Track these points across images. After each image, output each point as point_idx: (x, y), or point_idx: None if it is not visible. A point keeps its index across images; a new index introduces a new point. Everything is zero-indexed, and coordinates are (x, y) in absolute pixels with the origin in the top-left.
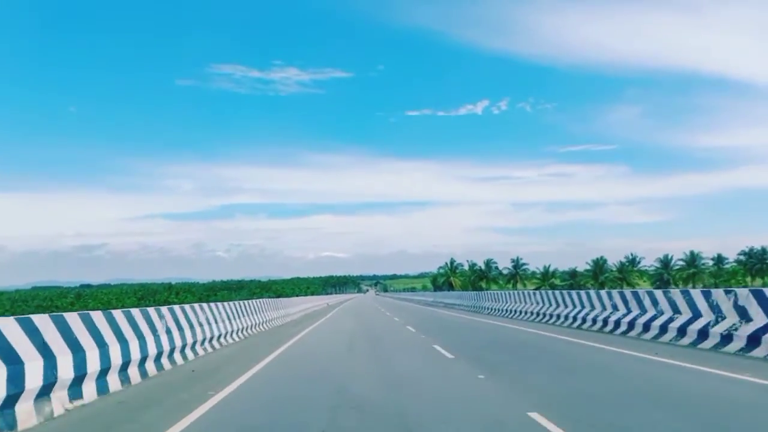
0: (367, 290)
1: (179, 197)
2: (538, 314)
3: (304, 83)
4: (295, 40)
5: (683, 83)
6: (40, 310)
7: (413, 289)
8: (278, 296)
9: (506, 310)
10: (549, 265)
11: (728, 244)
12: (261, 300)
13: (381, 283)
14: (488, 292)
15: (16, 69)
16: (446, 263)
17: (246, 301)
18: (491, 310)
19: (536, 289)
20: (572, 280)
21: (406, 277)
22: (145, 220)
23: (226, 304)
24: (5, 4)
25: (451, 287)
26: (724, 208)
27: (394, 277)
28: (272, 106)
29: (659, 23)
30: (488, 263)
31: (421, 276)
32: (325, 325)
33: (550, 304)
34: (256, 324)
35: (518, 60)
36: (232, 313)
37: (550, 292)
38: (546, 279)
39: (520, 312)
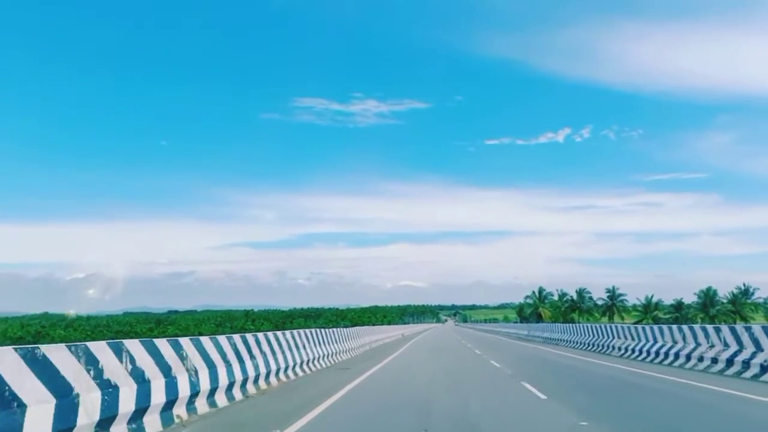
0: (446, 320)
1: (262, 227)
2: (641, 351)
3: (383, 114)
4: (375, 72)
5: None
6: (120, 335)
7: (494, 320)
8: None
9: (604, 346)
10: (651, 296)
11: None
12: (330, 330)
13: (460, 313)
14: (584, 325)
15: (110, 104)
16: (533, 292)
17: (309, 331)
18: (585, 344)
19: (637, 322)
20: (677, 312)
21: (486, 307)
22: (231, 248)
23: (288, 333)
24: (103, 47)
25: (539, 318)
26: None
27: (473, 307)
28: (352, 138)
29: (750, 48)
30: (581, 293)
31: (502, 307)
32: (397, 363)
33: (660, 341)
34: (321, 356)
35: (600, 87)
36: (294, 344)
37: (656, 327)
38: (648, 311)
39: (624, 348)
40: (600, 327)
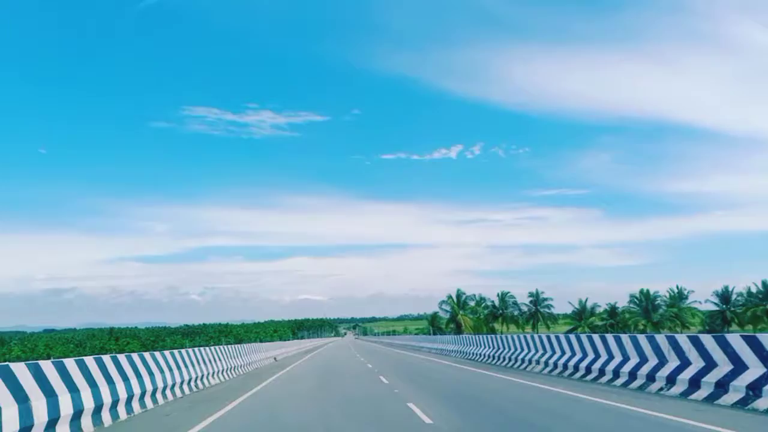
0: (346, 333)
1: (152, 239)
2: (577, 368)
3: (279, 126)
4: (270, 83)
5: (654, 131)
6: None
7: (393, 333)
8: (239, 342)
9: (524, 360)
10: (586, 300)
11: (703, 287)
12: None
13: (360, 326)
14: (507, 336)
15: None
16: (450, 297)
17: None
18: (507, 359)
19: (570, 330)
20: (612, 319)
21: (386, 319)
22: (117, 262)
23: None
24: None
25: (458, 329)
26: (696, 252)
27: (373, 319)
28: (247, 149)
29: (632, 73)
30: (504, 298)
31: (401, 318)
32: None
33: (591, 354)
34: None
35: (491, 106)
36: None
37: (585, 337)
38: (584, 318)
39: (553, 364)
40: (527, 338)
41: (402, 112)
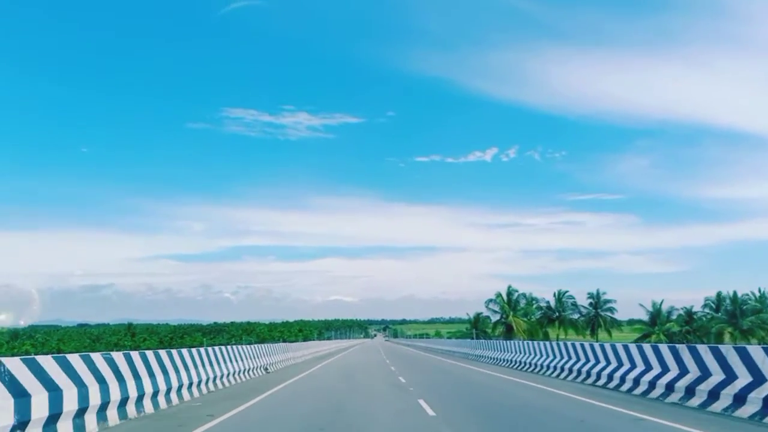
0: (375, 335)
1: (188, 239)
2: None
3: (315, 128)
4: (307, 85)
5: (692, 135)
6: None
7: (426, 336)
8: (262, 341)
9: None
10: (661, 302)
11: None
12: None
13: (390, 327)
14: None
15: (27, 108)
16: (499, 295)
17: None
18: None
19: (641, 338)
20: (688, 325)
21: (416, 322)
22: (154, 260)
23: None
24: (21, 47)
25: (509, 332)
26: (734, 260)
27: (403, 322)
28: (282, 150)
29: (670, 76)
30: (561, 298)
31: (431, 322)
32: None
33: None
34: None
35: (527, 109)
36: None
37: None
38: (658, 323)
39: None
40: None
41: (437, 115)
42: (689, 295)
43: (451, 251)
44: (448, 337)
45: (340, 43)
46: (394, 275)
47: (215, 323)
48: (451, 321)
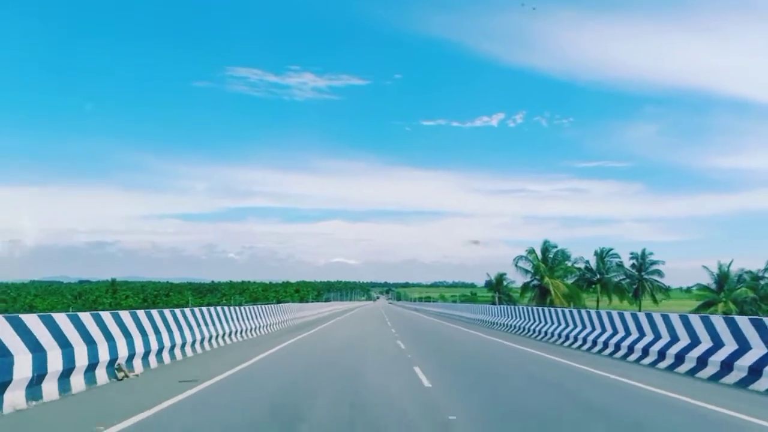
0: (378, 298)
1: (192, 198)
2: None
3: (320, 89)
4: (313, 46)
5: (701, 103)
6: None
7: (428, 299)
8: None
9: None
10: (730, 263)
11: (752, 265)
12: None
13: (393, 290)
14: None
15: (32, 65)
16: (531, 251)
17: None
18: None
19: (703, 307)
20: (754, 292)
21: (419, 285)
22: (158, 219)
23: None
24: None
25: (542, 297)
26: (741, 229)
27: (406, 285)
28: (287, 111)
29: (680, 42)
30: (603, 256)
31: (435, 285)
32: None
33: None
34: None
35: (535, 74)
36: None
37: None
38: (725, 287)
39: None
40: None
41: (444, 78)
42: (699, 262)
43: (455, 216)
44: (453, 301)
45: (347, 2)
46: (397, 239)
47: (212, 282)
48: (454, 285)
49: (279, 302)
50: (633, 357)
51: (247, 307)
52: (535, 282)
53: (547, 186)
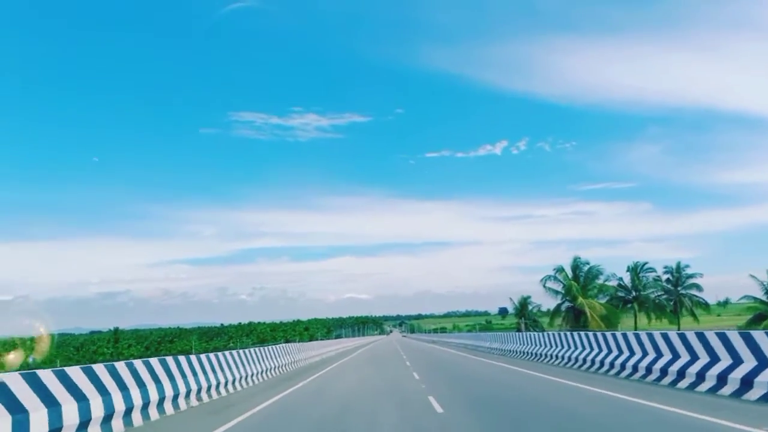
0: (391, 331)
1: (201, 243)
2: None
3: (323, 128)
4: (314, 86)
5: (703, 120)
6: None
7: (443, 330)
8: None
9: None
10: None
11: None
12: None
13: (406, 323)
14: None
15: (37, 118)
16: (561, 269)
17: None
18: None
19: (759, 320)
20: None
21: (432, 316)
22: (168, 265)
23: None
24: (31, 56)
25: (575, 320)
26: (750, 243)
27: (418, 317)
28: (292, 152)
29: (679, 61)
30: (638, 272)
31: (447, 315)
32: None
33: None
34: None
35: (536, 100)
36: None
37: None
38: None
39: None
40: None
41: (445, 110)
42: (710, 280)
43: (463, 245)
44: (469, 331)
45: (346, 42)
46: (407, 271)
47: (221, 325)
48: (466, 314)
49: (287, 341)
50: (704, 387)
51: (223, 354)
52: (567, 303)
53: (554, 210)
